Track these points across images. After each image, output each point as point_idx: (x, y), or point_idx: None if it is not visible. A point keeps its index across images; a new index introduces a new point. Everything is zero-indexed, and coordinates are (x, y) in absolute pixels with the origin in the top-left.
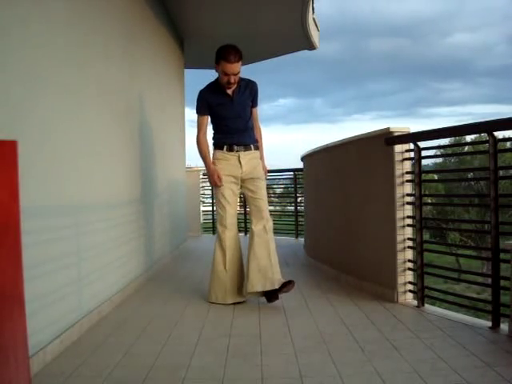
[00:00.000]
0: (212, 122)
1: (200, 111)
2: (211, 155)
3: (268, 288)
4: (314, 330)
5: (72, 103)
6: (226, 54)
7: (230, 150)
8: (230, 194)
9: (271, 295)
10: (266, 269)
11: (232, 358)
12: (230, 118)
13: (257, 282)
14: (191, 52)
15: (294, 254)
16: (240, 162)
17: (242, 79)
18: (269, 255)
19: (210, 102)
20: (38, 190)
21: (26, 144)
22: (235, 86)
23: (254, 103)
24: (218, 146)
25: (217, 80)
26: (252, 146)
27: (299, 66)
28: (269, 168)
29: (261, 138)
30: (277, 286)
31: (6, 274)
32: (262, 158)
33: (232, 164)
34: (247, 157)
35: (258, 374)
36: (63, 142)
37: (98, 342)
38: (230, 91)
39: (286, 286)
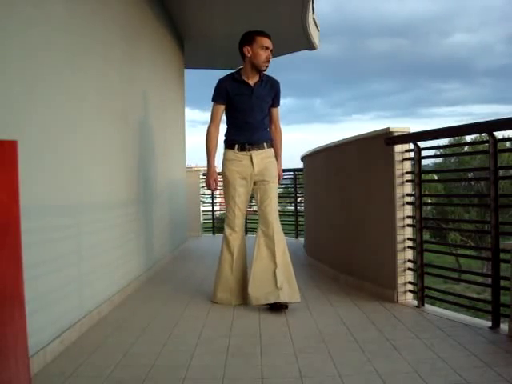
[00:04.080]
0: (227, 115)
1: (216, 99)
2: (221, 155)
3: (271, 301)
4: (314, 329)
5: (72, 104)
6: (258, 31)
7: (242, 149)
8: (239, 195)
9: (274, 305)
10: (270, 280)
11: (232, 358)
12: (247, 110)
13: (260, 296)
14: (191, 52)
15: (294, 254)
16: (252, 162)
17: (264, 74)
18: (274, 263)
19: (230, 91)
20: (38, 189)
21: (26, 144)
22: (258, 79)
23: (276, 102)
24: (229, 145)
25: (238, 71)
26: (265, 144)
27: (299, 65)
28: None
29: (281, 141)
30: (277, 300)
31: (7, 274)
32: (278, 161)
33: (244, 164)
34: (259, 156)
35: (258, 374)
36: (63, 142)
37: (98, 341)
38: (251, 82)
39: (275, 308)
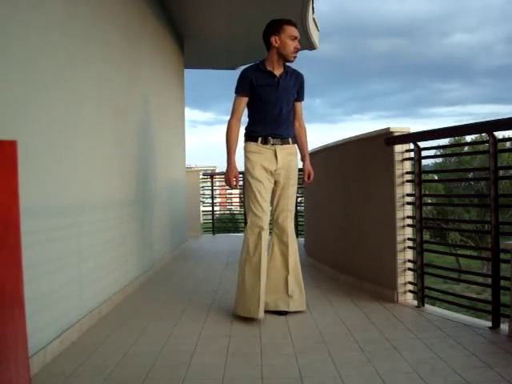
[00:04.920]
0: (249, 107)
1: (239, 90)
2: (243, 148)
3: (281, 308)
4: (313, 330)
5: (72, 104)
6: (286, 20)
7: (265, 142)
8: (265, 187)
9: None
10: (281, 285)
11: (232, 358)
12: (272, 102)
13: (270, 301)
14: (191, 52)
15: None
16: (276, 157)
17: (289, 66)
18: (286, 269)
19: (255, 81)
20: (38, 189)
21: (26, 144)
22: (283, 71)
23: (300, 96)
24: (251, 138)
25: (262, 61)
26: (290, 139)
27: (299, 65)
28: None
29: (306, 139)
30: (286, 309)
31: (7, 274)
32: (305, 158)
33: (267, 158)
34: (284, 151)
35: (258, 374)
36: (63, 143)
37: (98, 341)
38: (277, 73)
39: (276, 312)
